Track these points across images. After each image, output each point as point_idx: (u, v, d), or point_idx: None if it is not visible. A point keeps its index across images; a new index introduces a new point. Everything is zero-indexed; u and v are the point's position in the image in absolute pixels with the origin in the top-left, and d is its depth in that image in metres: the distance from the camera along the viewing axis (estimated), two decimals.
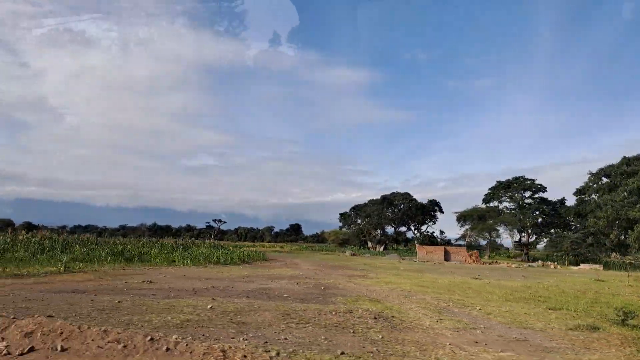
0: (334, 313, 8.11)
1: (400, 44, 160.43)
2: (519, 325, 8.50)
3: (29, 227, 68.25)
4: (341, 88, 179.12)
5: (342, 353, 5.71)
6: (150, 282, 12.59)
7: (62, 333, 5.51)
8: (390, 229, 77.12)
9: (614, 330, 8.13)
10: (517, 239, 61.55)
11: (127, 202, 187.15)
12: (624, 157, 50.42)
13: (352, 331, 7.04)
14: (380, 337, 6.80)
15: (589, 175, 53.54)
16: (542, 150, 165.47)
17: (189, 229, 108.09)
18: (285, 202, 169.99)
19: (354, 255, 50.89)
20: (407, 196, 73.16)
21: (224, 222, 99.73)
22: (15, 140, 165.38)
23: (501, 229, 60.29)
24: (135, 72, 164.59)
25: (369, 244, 74.04)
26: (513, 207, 59.74)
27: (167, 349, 5.17)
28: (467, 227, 64.12)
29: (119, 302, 8.56)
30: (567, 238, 47.82)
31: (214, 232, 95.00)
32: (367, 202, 77.38)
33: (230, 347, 5.20)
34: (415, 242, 71.03)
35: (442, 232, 74.40)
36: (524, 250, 58.43)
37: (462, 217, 63.99)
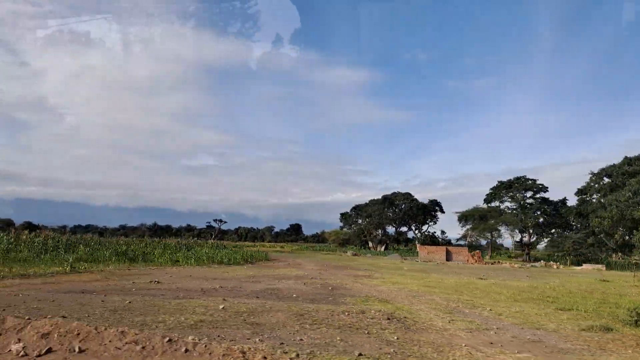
0: (346, 314, 8.07)
1: (400, 44, 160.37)
2: (531, 326, 8.47)
3: (29, 226, 68.17)
4: (341, 88, 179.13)
5: (360, 354, 5.67)
6: (158, 282, 12.55)
7: (79, 334, 5.46)
8: (391, 229, 77.18)
9: (627, 331, 8.10)
10: (518, 239, 61.58)
11: (127, 202, 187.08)
12: (626, 157, 50.39)
13: (366, 332, 7.00)
14: (396, 338, 6.76)
15: (591, 175, 53.53)
16: (542, 150, 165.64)
17: (189, 228, 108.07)
18: (285, 202, 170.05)
19: (355, 255, 50.88)
20: (408, 196, 73.13)
21: (225, 222, 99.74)
22: (15, 140, 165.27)
23: (502, 229, 60.31)
24: (135, 72, 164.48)
25: (370, 244, 74.04)
26: (514, 207, 59.71)
27: (186, 350, 5.13)
28: (468, 227, 64.15)
29: (129, 302, 8.51)
30: (569, 238, 47.85)
31: (214, 232, 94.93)
32: (368, 202, 77.38)
33: (249, 349, 5.16)
34: (417, 242, 71.02)
35: (443, 232, 74.47)
36: (525, 251, 58.43)
37: (464, 217, 63.99)
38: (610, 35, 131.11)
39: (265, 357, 4.97)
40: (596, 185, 52.86)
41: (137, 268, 17.58)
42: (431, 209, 73.85)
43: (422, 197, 75.44)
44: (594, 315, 9.99)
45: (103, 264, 17.90)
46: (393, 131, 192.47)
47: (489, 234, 61.39)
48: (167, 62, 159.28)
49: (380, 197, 75.30)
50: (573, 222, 56.52)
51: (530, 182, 58.53)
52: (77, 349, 5.13)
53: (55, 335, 5.43)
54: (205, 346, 5.21)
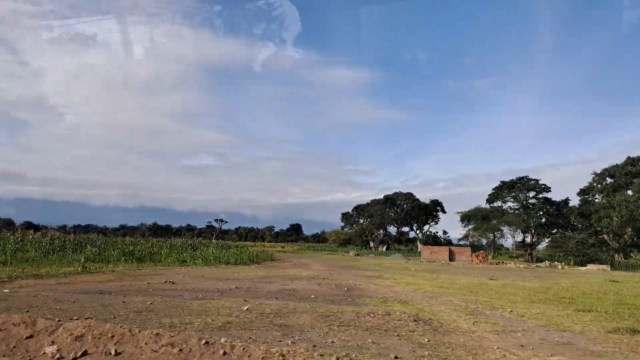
0: (372, 315, 7.99)
1: (400, 44, 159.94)
2: (556, 328, 8.40)
3: (29, 226, 67.97)
4: (341, 88, 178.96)
5: (396, 357, 5.60)
6: (172, 282, 12.45)
7: (113, 336, 5.37)
8: (392, 229, 77.15)
9: None
10: (520, 240, 61.62)
11: (127, 202, 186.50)
12: (628, 157, 50.49)
13: (396, 334, 6.92)
14: (426, 340, 6.69)
15: (593, 176, 53.62)
16: (542, 150, 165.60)
17: (190, 228, 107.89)
18: (285, 201, 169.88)
19: (358, 255, 50.84)
20: (409, 196, 73.08)
21: (226, 222, 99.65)
22: (15, 140, 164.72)
23: (505, 229, 60.34)
24: (135, 71, 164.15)
25: (371, 244, 73.99)
26: (517, 207, 59.75)
27: (224, 353, 5.04)
28: (470, 227, 64.16)
29: (151, 303, 8.42)
30: (572, 238, 47.85)
31: (215, 232, 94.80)
32: (369, 202, 77.31)
33: (288, 351, 5.07)
34: (418, 242, 71.04)
35: (445, 232, 74.48)
36: (527, 251, 58.47)
37: (466, 217, 63.99)
38: (610, 35, 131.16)
39: None
40: (599, 186, 52.94)
41: (146, 268, 17.47)
42: (433, 209, 73.82)
43: (422, 197, 75.44)
44: (615, 316, 9.93)
45: (113, 264, 17.78)
46: (393, 131, 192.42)
47: (491, 234, 61.41)
48: (168, 61, 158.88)
49: (382, 197, 75.27)
50: (574, 222, 56.59)
51: (532, 182, 58.57)
52: (112, 352, 5.04)
53: (89, 338, 5.34)
54: (244, 349, 5.12)
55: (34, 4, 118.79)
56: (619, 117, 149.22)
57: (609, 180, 52.13)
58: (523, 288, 15.23)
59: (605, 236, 48.20)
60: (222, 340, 5.53)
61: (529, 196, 59.23)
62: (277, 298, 10.14)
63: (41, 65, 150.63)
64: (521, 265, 37.52)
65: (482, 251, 45.65)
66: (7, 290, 9.50)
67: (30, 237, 24.17)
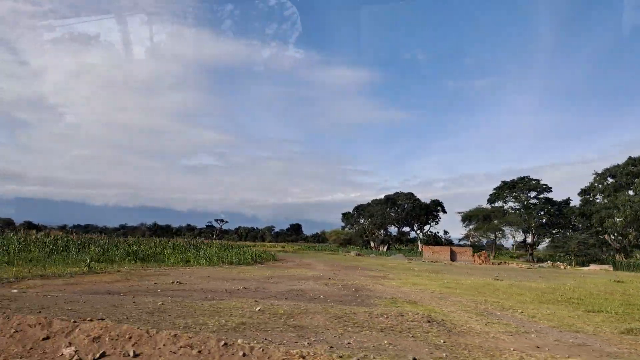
0: (385, 316, 7.95)
1: (400, 44, 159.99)
2: (569, 329, 8.37)
3: (30, 226, 67.86)
4: (341, 88, 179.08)
5: (414, 359, 5.56)
6: (180, 283, 12.40)
7: (130, 337, 5.32)
8: (393, 229, 77.15)
9: None
10: (521, 240, 61.65)
11: (127, 202, 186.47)
12: (630, 157, 50.52)
13: (411, 335, 6.88)
14: (442, 341, 6.65)
15: (594, 176, 53.67)
16: (542, 150, 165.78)
17: (190, 228, 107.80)
18: (285, 201, 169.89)
19: (359, 255, 50.81)
20: (410, 196, 73.11)
21: (226, 222, 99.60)
22: (15, 139, 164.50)
23: (506, 230, 60.35)
24: (135, 71, 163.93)
25: (372, 244, 73.97)
26: (518, 207, 59.77)
27: (244, 354, 5.00)
28: (471, 227, 64.16)
29: (161, 304, 8.37)
30: (573, 238, 47.86)
31: (215, 232, 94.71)
32: (370, 202, 77.35)
33: (308, 353, 5.03)
34: (419, 242, 71.02)
35: (446, 232, 74.50)
36: (528, 251, 58.49)
37: (468, 217, 63.99)
38: (610, 35, 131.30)
39: None
40: (600, 186, 52.99)
41: (151, 268, 17.41)
42: (433, 209, 73.88)
43: (422, 197, 75.51)
44: (626, 317, 9.90)
45: (117, 264, 17.72)
46: (393, 131, 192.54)
47: (492, 234, 61.42)
48: (167, 61, 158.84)
49: (382, 197, 75.32)
50: (575, 222, 56.63)
51: (534, 182, 58.62)
52: (131, 354, 5.00)
53: (107, 339, 5.29)
54: (263, 350, 5.08)
55: (34, 3, 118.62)
56: (619, 117, 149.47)
57: (610, 180, 52.17)
58: (530, 288, 15.19)
59: (606, 236, 48.20)
60: (240, 341, 5.49)
61: (530, 196, 59.30)
62: (286, 299, 10.10)
63: (41, 65, 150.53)
64: (523, 266, 37.51)
65: (484, 251, 45.62)
66: (15, 291, 9.45)
67: (33, 237, 24.09)
